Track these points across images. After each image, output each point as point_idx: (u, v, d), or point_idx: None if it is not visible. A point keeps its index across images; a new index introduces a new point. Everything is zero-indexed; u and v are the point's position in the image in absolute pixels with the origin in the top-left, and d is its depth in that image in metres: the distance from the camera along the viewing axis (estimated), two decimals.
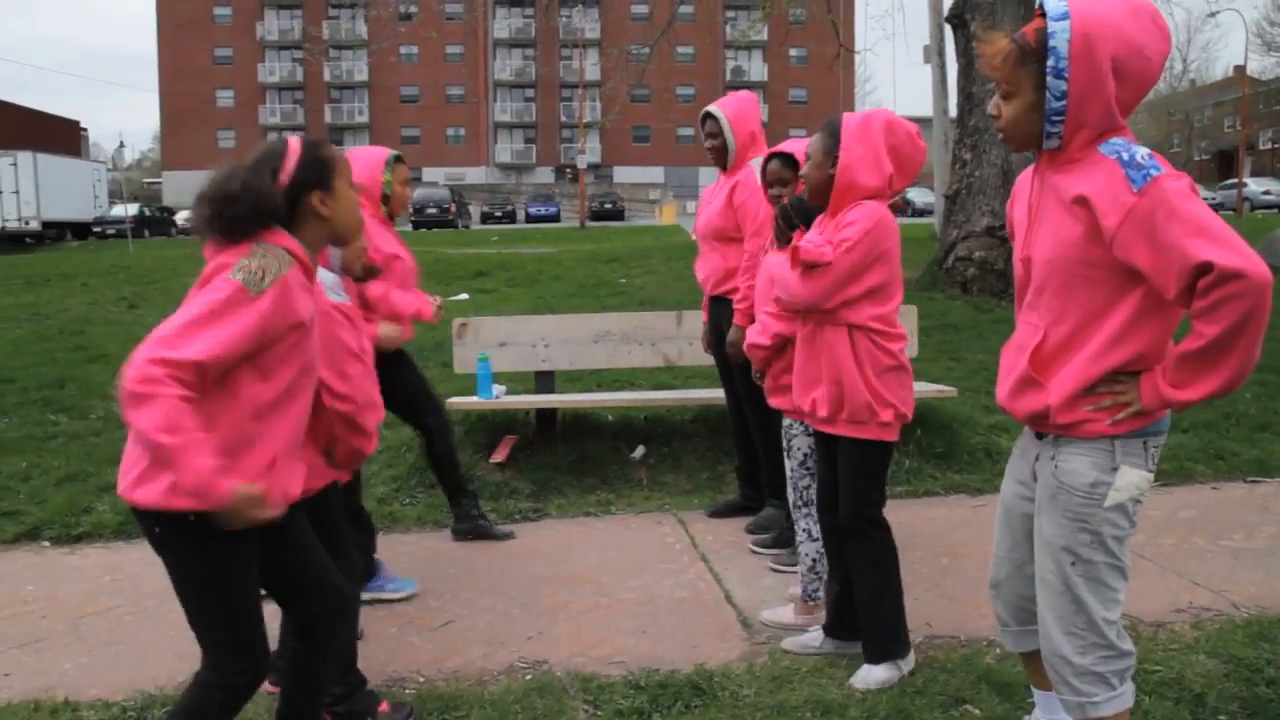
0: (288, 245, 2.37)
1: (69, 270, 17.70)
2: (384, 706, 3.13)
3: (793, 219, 3.63)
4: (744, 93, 4.91)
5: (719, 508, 5.34)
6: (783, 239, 3.67)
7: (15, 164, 33.22)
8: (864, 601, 3.35)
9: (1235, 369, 2.07)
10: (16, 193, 33.07)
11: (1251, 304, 1.99)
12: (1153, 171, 2.06)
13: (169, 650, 3.71)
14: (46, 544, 5.10)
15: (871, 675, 3.28)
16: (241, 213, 2.31)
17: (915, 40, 36.02)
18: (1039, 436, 2.39)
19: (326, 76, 69.77)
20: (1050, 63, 2.13)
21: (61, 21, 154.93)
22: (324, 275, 3.01)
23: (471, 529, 5.00)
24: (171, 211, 45.09)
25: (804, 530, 3.82)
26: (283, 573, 2.53)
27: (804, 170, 3.42)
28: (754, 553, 4.68)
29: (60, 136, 49.46)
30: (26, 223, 32.91)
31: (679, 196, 54.84)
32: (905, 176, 3.30)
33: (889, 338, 3.28)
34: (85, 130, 57.33)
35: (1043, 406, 2.28)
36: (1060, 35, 2.11)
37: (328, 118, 69.81)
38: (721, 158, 4.87)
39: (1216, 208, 38.64)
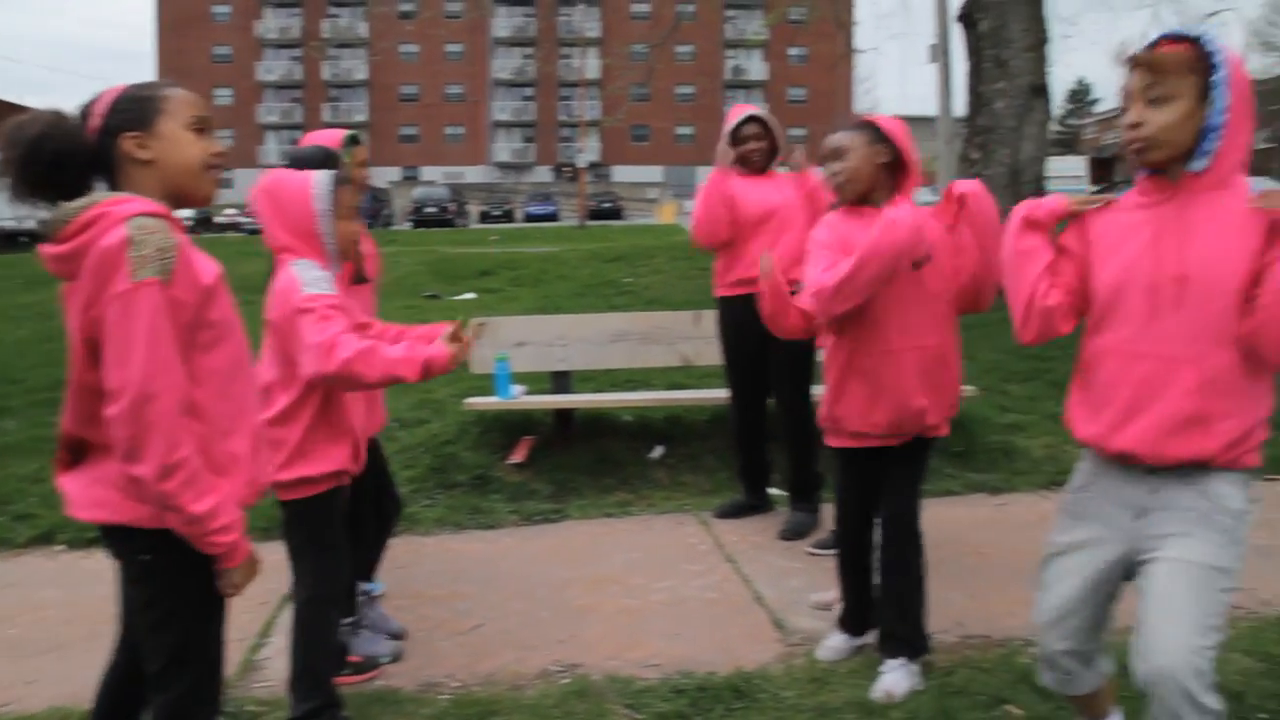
0: (141, 209, 2.02)
1: None
2: None
3: None
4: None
5: (725, 508, 5.30)
6: None
7: None
8: (904, 597, 3.31)
9: None
10: None
11: None
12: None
13: None
14: (61, 548, 5.05)
15: (902, 683, 3.22)
16: (45, 160, 2.02)
17: (918, 40, 36.06)
18: (1150, 471, 2.26)
19: (325, 75, 69.72)
20: (1222, 74, 2.04)
21: (56, 20, 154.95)
22: (304, 270, 2.83)
23: None
24: None
25: None
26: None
27: (843, 166, 3.20)
28: (811, 555, 4.63)
29: None
30: (22, 222, 32.80)
31: (677, 196, 54.74)
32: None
33: None
34: None
35: (1207, 451, 2.17)
36: (1220, 57, 2.05)
37: (326, 116, 69.71)
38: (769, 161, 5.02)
39: None
